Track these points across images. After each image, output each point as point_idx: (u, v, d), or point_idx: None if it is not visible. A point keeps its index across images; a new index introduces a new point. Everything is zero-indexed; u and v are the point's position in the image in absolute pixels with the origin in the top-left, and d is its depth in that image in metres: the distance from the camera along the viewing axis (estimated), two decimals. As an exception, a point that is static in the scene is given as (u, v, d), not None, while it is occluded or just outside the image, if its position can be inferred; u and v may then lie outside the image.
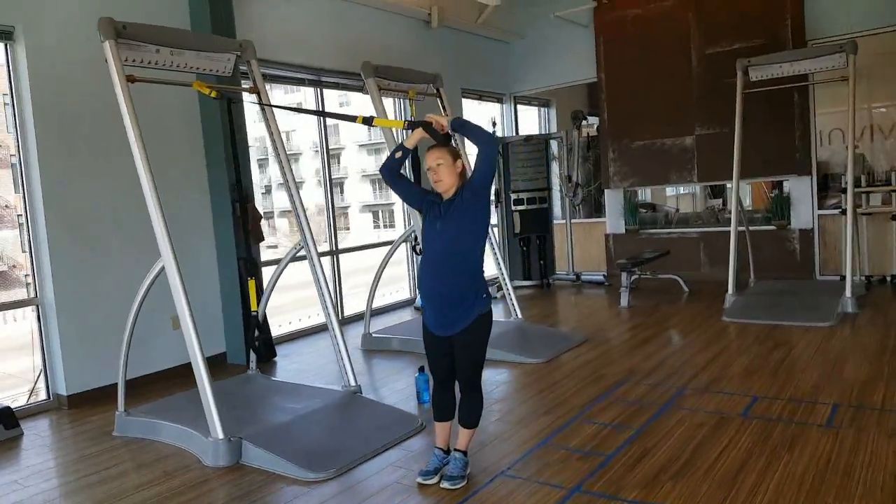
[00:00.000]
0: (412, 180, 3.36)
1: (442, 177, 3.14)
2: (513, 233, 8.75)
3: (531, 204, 8.73)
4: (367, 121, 3.52)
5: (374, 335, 6.12)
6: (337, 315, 4.65)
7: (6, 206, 6.91)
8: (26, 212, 4.84)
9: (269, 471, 3.57)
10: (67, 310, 4.85)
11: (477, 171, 3.12)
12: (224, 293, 5.79)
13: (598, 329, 6.38)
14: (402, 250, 8.20)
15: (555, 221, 9.07)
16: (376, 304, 7.99)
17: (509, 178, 8.70)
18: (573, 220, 9.02)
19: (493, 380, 5.00)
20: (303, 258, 4.65)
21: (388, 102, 7.01)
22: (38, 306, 4.89)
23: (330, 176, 7.23)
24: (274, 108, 4.55)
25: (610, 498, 3.02)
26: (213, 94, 4.11)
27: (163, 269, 3.96)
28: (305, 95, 8.47)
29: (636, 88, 8.61)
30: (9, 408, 4.49)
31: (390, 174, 3.28)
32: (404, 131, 3.35)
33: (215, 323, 5.79)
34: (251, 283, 4.53)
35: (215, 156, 5.67)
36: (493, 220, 9.22)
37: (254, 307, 4.52)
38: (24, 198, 4.81)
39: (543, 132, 10.14)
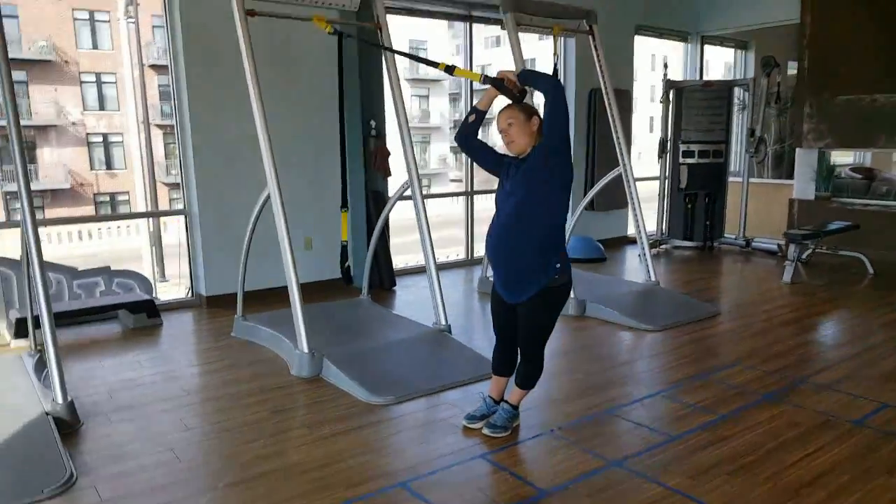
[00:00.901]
0: (490, 147, 3.13)
1: (514, 137, 2.89)
2: (677, 187, 8.06)
3: (703, 157, 7.93)
4: (449, 69, 3.32)
5: (489, 278, 6.04)
6: (433, 255, 4.67)
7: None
8: (177, 132, 5.40)
9: (339, 388, 3.77)
10: (209, 221, 5.40)
11: (546, 124, 2.85)
12: (353, 222, 6.06)
13: (744, 303, 5.74)
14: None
15: (730, 179, 8.18)
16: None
17: (680, 127, 7.95)
18: (752, 180, 8.07)
19: (592, 340, 4.76)
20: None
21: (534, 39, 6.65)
22: (185, 216, 5.52)
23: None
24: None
25: (647, 479, 2.76)
26: (329, 30, 4.19)
27: (268, 197, 4.21)
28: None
29: (847, 34, 7.32)
30: (152, 300, 5.19)
31: (466, 140, 3.07)
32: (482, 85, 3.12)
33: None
34: (343, 215, 4.69)
35: (350, 92, 5.84)
36: (652, 171, 8.57)
37: (344, 237, 4.70)
38: (175, 116, 5.37)
39: (739, 77, 9.07)
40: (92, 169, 22.41)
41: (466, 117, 3.08)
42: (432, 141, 30.95)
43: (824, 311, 5.44)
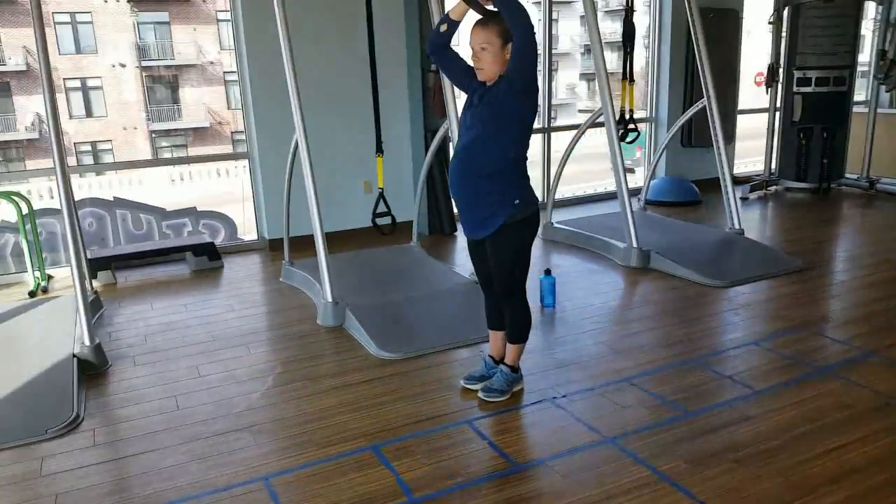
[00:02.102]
0: (464, 62, 2.86)
1: (483, 64, 2.66)
2: (790, 121, 7.12)
3: (821, 85, 6.89)
4: None
5: (555, 225, 5.72)
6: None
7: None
8: (239, 77, 5.44)
9: (356, 340, 3.72)
10: (269, 165, 5.44)
11: (514, 64, 2.59)
12: (416, 164, 5.90)
13: (839, 257, 5.03)
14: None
15: (854, 110, 7.11)
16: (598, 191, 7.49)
17: (795, 51, 6.94)
18: (881, 111, 6.97)
19: (641, 295, 4.38)
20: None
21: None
22: (248, 160, 5.60)
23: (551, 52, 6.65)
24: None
25: (636, 461, 2.48)
26: None
27: (296, 142, 4.14)
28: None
29: None
30: (212, 243, 5.38)
31: (434, 50, 2.83)
32: None
33: (408, 192, 5.97)
34: (378, 160, 4.52)
35: (409, 25, 5.58)
36: (758, 103, 7.63)
37: (380, 184, 4.54)
38: (237, 60, 5.39)
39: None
40: (229, 108, 23.62)
41: (438, 26, 2.82)
42: (560, 68, 29.65)
43: (941, 268, 4.64)
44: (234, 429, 2.85)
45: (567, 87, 29.96)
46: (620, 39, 5.69)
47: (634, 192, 6.06)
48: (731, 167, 7.69)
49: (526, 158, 2.80)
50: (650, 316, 4.00)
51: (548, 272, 4.11)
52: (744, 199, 6.92)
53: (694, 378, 3.15)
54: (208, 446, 2.72)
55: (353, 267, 4.85)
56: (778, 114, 7.19)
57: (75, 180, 17.21)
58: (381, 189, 4.55)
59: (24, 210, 4.69)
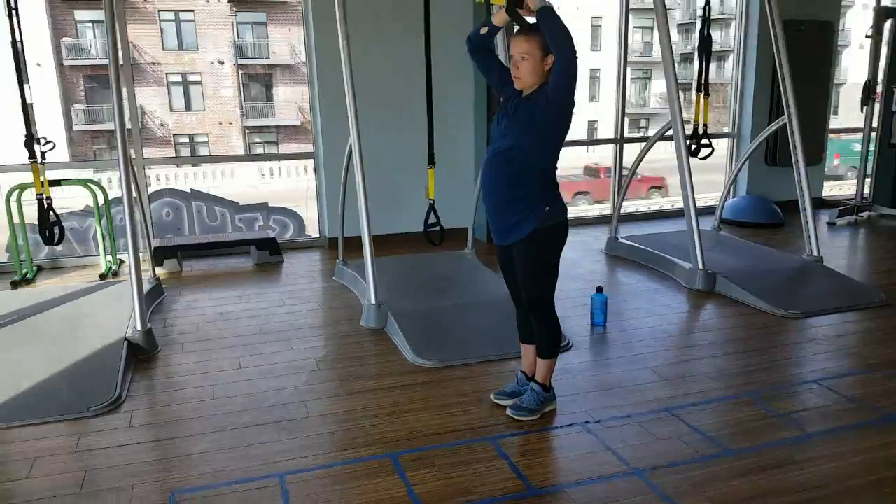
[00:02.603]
0: (501, 65, 2.84)
1: (522, 74, 2.62)
2: (888, 142, 6.59)
3: (928, 105, 6.37)
4: None
5: (620, 240, 5.52)
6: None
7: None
8: (309, 78, 5.55)
9: (395, 343, 3.70)
10: (332, 165, 5.51)
11: (552, 81, 2.56)
12: (475, 175, 5.85)
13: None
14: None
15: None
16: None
17: (894, 67, 6.41)
18: None
19: (701, 321, 4.17)
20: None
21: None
22: (314, 160, 5.71)
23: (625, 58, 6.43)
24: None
25: (660, 496, 2.33)
26: None
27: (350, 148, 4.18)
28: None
29: None
30: (274, 239, 5.50)
31: (475, 49, 2.82)
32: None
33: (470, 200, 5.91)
34: (430, 172, 4.48)
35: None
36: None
37: (431, 195, 4.50)
38: (306, 61, 5.50)
39: None
40: (319, 107, 24.33)
41: (478, 27, 2.81)
42: (653, 77, 28.84)
43: None
44: (261, 423, 2.88)
45: (660, 96, 29.08)
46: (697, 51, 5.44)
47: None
48: (819, 189, 7.24)
49: (556, 168, 2.75)
50: (707, 343, 3.78)
51: (599, 289, 3.96)
52: (831, 224, 6.47)
53: (742, 414, 2.94)
54: (234, 438, 2.76)
55: (405, 270, 4.84)
56: (874, 134, 6.68)
57: (170, 169, 18.15)
58: (432, 200, 4.51)
59: (101, 198, 4.94)
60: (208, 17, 22.63)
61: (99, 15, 21.88)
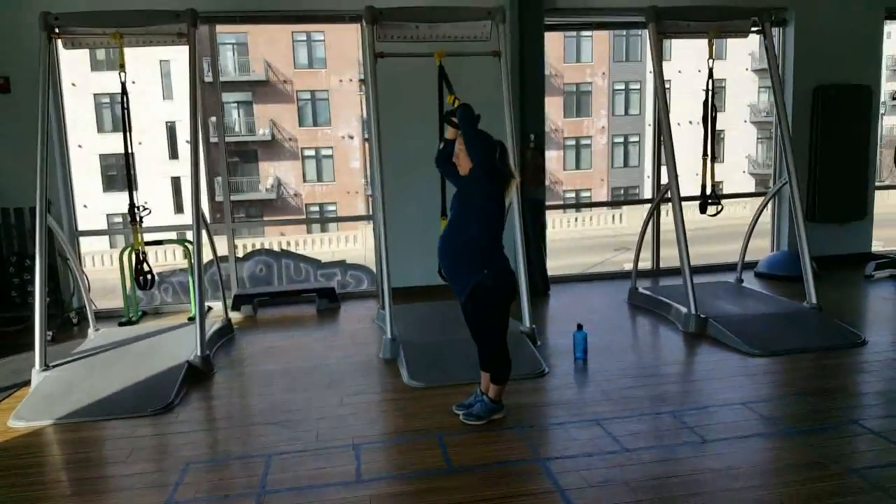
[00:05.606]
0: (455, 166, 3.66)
1: (461, 162, 3.47)
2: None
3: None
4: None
5: (639, 290, 5.98)
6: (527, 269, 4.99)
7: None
8: (370, 148, 6.54)
9: (397, 369, 4.43)
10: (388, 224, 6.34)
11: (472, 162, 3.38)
12: (511, 228, 6.50)
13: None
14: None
15: None
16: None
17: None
18: None
19: (675, 357, 4.60)
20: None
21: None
22: (372, 221, 6.66)
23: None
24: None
25: (545, 475, 2.88)
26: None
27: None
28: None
29: None
30: (333, 288, 6.45)
31: (440, 164, 3.70)
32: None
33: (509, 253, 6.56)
34: (443, 223, 5.22)
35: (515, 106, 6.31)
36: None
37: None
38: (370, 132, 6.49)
39: None
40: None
41: (440, 146, 3.76)
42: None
43: None
44: (267, 422, 3.69)
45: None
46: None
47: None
48: (867, 244, 7.27)
49: (497, 235, 3.41)
50: (665, 374, 4.26)
51: (580, 327, 4.50)
52: (868, 276, 6.51)
53: (651, 425, 3.42)
54: (242, 430, 3.62)
55: (432, 314, 5.57)
56: None
57: (299, 234, 19.88)
58: None
59: (194, 255, 6.12)
60: (341, 96, 25.38)
61: (242, 96, 25.27)
